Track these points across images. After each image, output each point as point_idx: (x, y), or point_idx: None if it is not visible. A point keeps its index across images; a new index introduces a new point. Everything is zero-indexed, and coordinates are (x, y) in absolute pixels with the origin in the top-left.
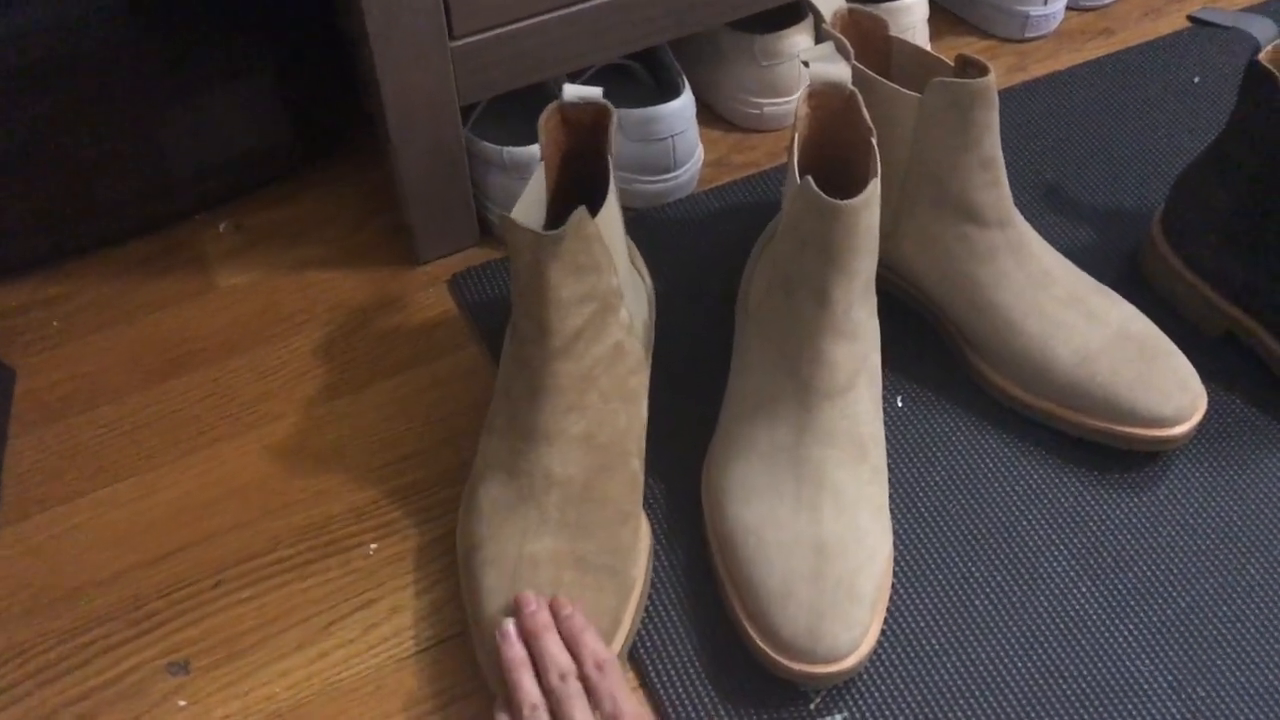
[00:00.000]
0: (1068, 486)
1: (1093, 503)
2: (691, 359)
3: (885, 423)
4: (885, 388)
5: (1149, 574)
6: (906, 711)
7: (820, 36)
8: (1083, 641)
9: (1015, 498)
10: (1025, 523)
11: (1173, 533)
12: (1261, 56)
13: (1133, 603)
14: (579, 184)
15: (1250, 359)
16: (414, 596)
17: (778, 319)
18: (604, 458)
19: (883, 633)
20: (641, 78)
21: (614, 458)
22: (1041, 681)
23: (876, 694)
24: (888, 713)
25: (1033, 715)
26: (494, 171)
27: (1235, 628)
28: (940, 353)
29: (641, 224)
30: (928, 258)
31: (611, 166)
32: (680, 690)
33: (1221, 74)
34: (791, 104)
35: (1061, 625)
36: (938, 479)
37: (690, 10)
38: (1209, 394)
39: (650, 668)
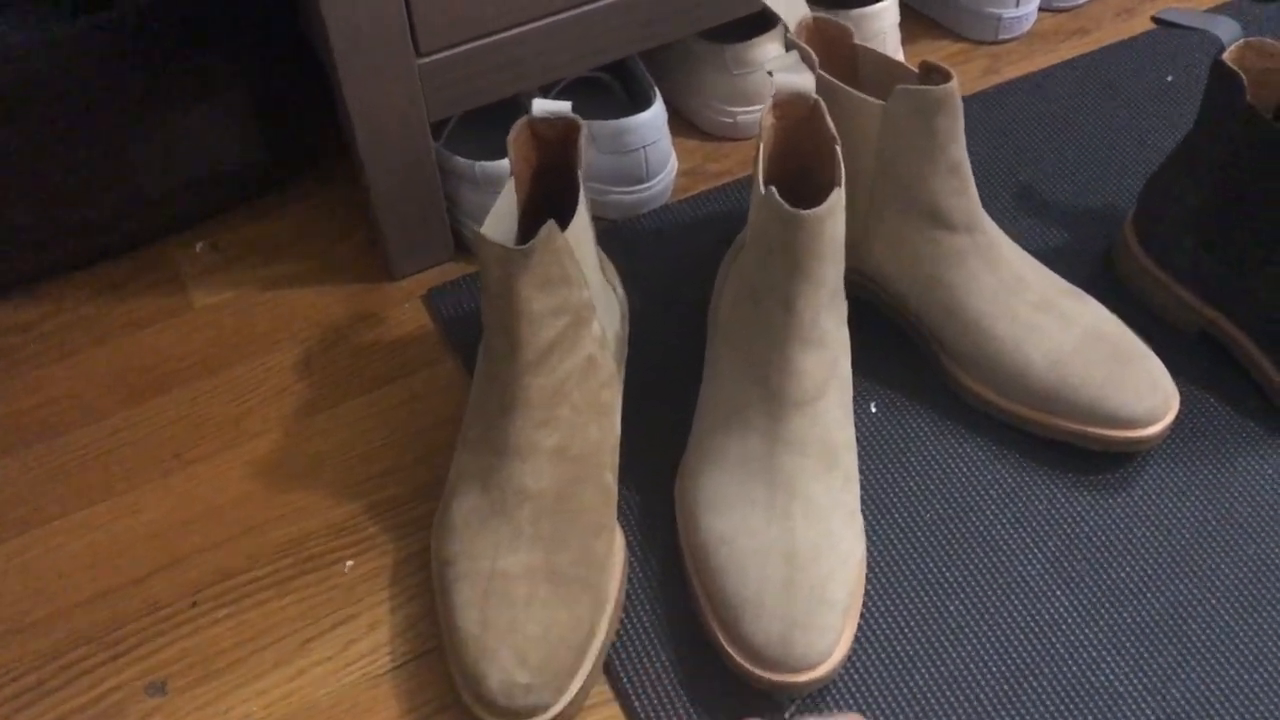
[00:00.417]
0: (1042, 489)
1: (1067, 505)
2: (667, 368)
3: (859, 428)
4: (859, 393)
5: (1124, 576)
6: (882, 717)
7: (786, 45)
8: (1058, 645)
9: (989, 501)
10: (999, 526)
11: (1147, 534)
12: (1226, 56)
13: (1108, 605)
14: (550, 198)
15: (1224, 358)
16: (391, 612)
17: (746, 328)
18: (577, 471)
19: (857, 639)
20: (613, 89)
21: (587, 470)
22: (1016, 685)
23: (852, 700)
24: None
25: (1008, 719)
26: (467, 186)
27: (1211, 629)
28: (914, 358)
29: (616, 235)
30: (899, 263)
31: (581, 180)
32: (655, 701)
33: (1195, 73)
34: None
35: (1036, 629)
36: (912, 484)
37: (657, 22)
38: (1183, 393)
39: (625, 679)
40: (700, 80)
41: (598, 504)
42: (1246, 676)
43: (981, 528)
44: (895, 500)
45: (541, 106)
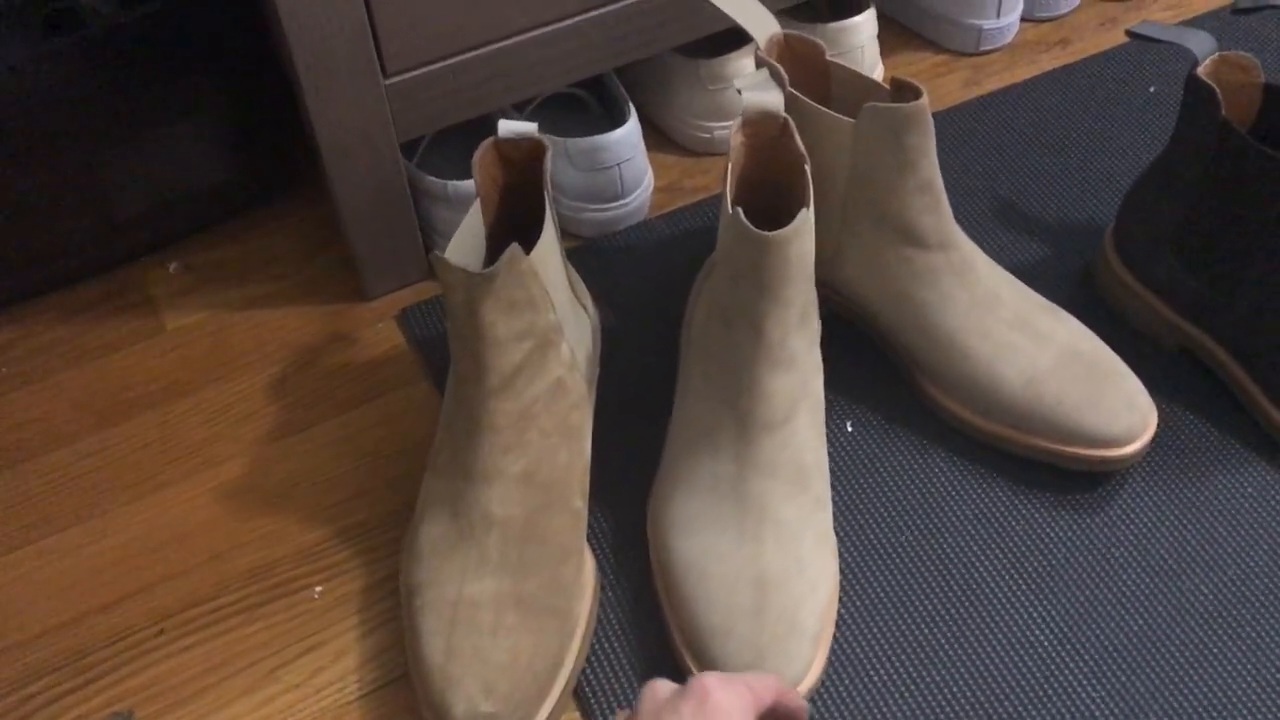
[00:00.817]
0: (1018, 509)
1: (1044, 525)
2: (643, 387)
3: (834, 447)
4: (835, 412)
5: (1100, 597)
6: None
7: (757, 63)
8: (1033, 668)
9: (965, 521)
10: (975, 547)
11: (1125, 555)
12: (1200, 70)
13: (1084, 627)
14: (518, 219)
15: (1205, 374)
16: (359, 639)
17: (716, 349)
18: (545, 496)
19: (829, 664)
20: (589, 105)
21: (555, 496)
22: (991, 710)
23: None
24: None
25: None
26: (440, 205)
27: (1187, 652)
28: (890, 376)
29: (592, 252)
30: (873, 282)
31: (549, 201)
32: None
33: (1178, 84)
34: None
35: (1012, 652)
36: (887, 504)
37: (627, 39)
38: (1162, 410)
39: (595, 704)
40: (676, 96)
41: (566, 529)
42: (1222, 699)
43: (957, 549)
44: (870, 521)
45: (507, 127)
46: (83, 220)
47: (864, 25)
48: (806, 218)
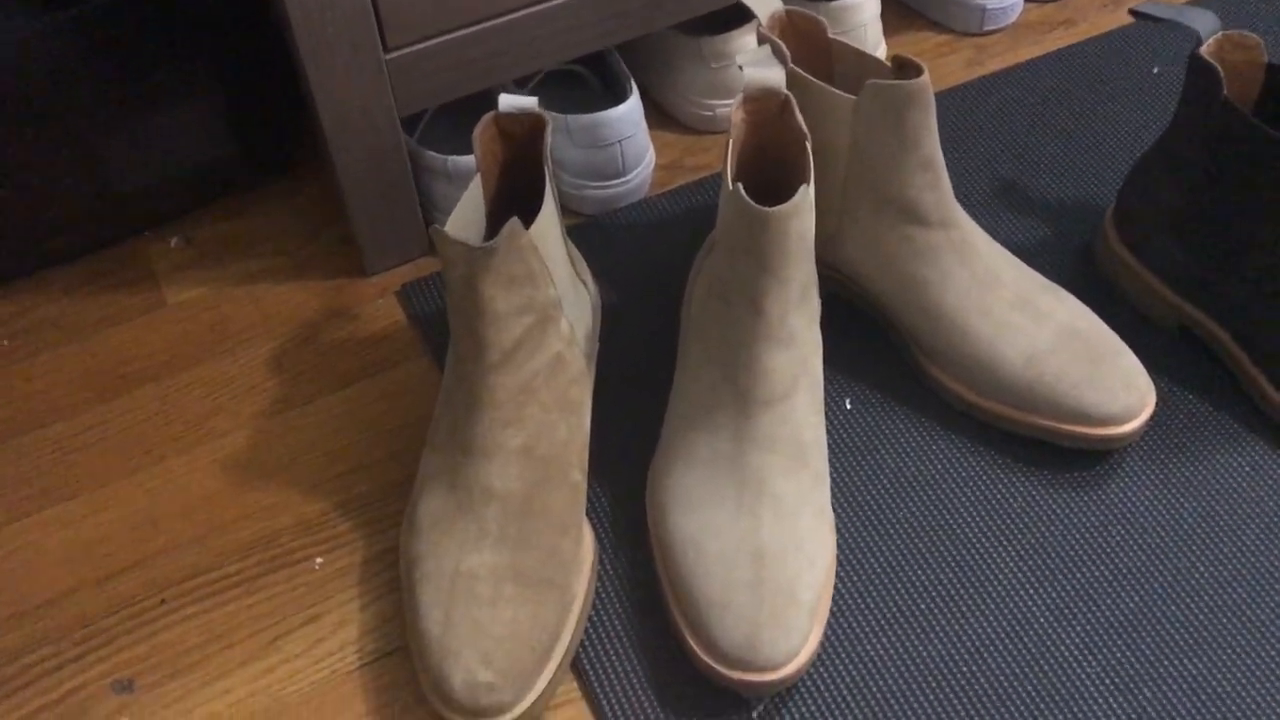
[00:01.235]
0: (1017, 487)
1: (1042, 503)
2: (644, 363)
3: (833, 424)
4: (834, 389)
5: (1097, 575)
6: (850, 717)
7: (759, 39)
8: (1030, 644)
9: (963, 499)
10: (973, 524)
11: (1122, 532)
12: (1203, 50)
13: (1081, 604)
14: (518, 194)
15: (1204, 354)
16: (359, 610)
17: (715, 326)
18: (544, 470)
19: (826, 638)
20: (590, 82)
21: (554, 470)
22: (988, 685)
23: (819, 701)
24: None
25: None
26: (440, 181)
27: (1184, 629)
28: (889, 354)
29: (594, 229)
30: (873, 260)
31: (549, 176)
32: (623, 700)
33: (1181, 64)
34: None
35: (1008, 628)
36: (885, 481)
37: (629, 15)
38: (1162, 390)
39: (593, 677)
40: (678, 73)
41: (565, 503)
42: (1218, 677)
43: (954, 525)
44: (868, 498)
45: (507, 102)
46: (83, 195)
47: (867, 3)
48: (807, 194)
